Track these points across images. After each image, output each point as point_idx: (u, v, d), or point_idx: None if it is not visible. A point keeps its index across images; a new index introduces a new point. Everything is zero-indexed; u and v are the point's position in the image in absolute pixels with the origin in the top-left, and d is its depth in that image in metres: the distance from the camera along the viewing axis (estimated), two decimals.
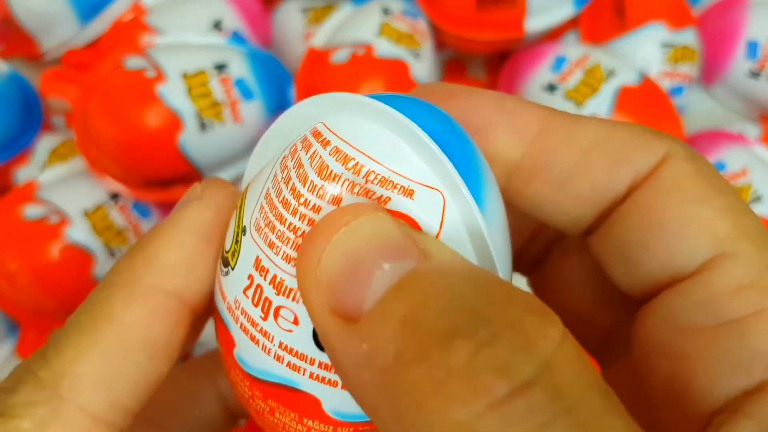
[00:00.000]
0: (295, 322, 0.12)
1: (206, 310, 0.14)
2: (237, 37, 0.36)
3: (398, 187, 0.12)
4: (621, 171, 0.13)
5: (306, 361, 0.12)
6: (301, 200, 0.12)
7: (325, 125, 0.12)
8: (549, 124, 0.14)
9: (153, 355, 0.13)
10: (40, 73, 0.36)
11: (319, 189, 0.12)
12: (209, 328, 0.15)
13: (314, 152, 0.12)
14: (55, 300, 0.33)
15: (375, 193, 0.12)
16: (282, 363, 0.12)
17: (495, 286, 0.11)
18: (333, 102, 0.13)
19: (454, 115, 0.13)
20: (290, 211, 0.12)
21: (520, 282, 0.15)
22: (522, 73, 0.37)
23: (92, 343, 0.13)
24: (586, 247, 0.15)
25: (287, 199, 0.12)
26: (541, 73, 0.36)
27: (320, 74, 0.35)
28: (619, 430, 0.09)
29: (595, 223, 0.14)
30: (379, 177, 0.12)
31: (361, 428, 0.13)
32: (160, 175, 0.33)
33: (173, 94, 0.32)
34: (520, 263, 0.14)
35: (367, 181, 0.12)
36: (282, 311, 0.12)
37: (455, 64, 0.42)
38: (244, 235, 0.13)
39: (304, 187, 0.12)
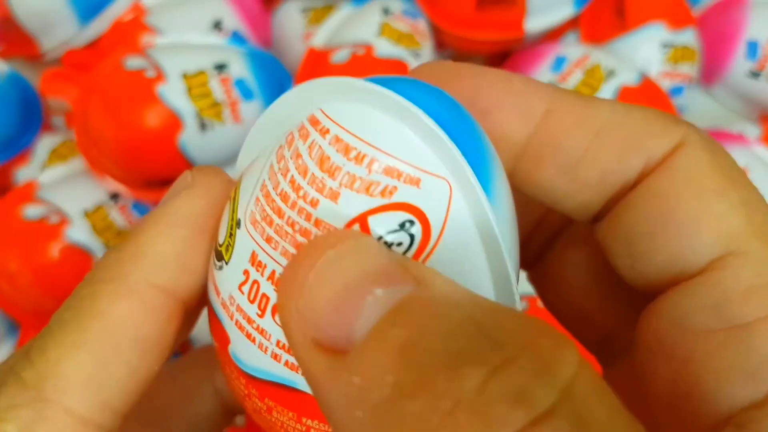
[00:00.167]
0: None
1: (199, 303, 0.14)
2: (237, 37, 0.36)
3: (404, 175, 0.11)
4: (633, 156, 0.13)
5: None
6: (301, 193, 0.11)
7: (322, 111, 0.12)
8: (558, 105, 0.13)
9: (143, 353, 0.13)
10: (40, 73, 0.36)
11: (319, 182, 0.11)
12: (203, 321, 0.15)
13: (313, 142, 0.11)
14: (55, 300, 0.33)
15: (379, 183, 0.11)
16: (279, 362, 0.12)
17: (502, 309, 0.10)
18: (330, 87, 0.12)
19: (458, 96, 0.13)
20: (289, 205, 0.11)
21: (520, 277, 0.15)
22: (522, 73, 0.37)
23: (78, 342, 0.12)
24: (592, 235, 0.14)
25: (286, 192, 0.11)
26: (541, 73, 0.36)
27: (320, 74, 0.35)
28: None
29: (604, 209, 0.13)
30: (383, 166, 0.11)
31: None
32: (160, 175, 0.33)
33: (173, 94, 0.32)
34: (520, 257, 0.14)
35: (370, 172, 0.11)
36: None
37: None
38: (238, 228, 0.12)
39: (304, 179, 0.11)
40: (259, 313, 0.12)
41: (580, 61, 0.36)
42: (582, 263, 0.16)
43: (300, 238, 0.11)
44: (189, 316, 0.14)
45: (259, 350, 0.12)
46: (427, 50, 0.37)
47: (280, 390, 0.12)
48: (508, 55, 0.40)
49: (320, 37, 0.37)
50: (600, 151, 0.13)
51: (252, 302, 0.12)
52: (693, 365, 0.12)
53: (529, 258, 0.17)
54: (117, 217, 0.34)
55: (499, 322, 0.09)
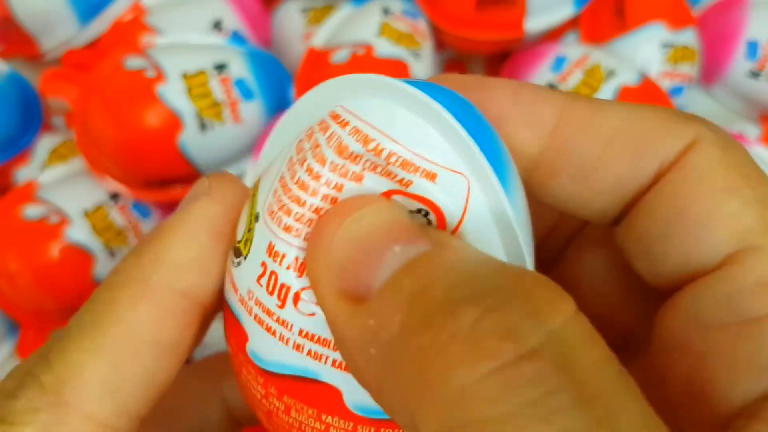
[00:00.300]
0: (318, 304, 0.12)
1: (215, 308, 0.14)
2: (237, 37, 0.36)
3: (420, 169, 0.11)
4: (646, 160, 0.13)
5: (329, 347, 0.12)
6: (322, 180, 0.12)
7: (343, 107, 0.12)
8: (569, 113, 0.13)
9: (162, 357, 0.13)
10: (40, 73, 0.36)
11: (341, 168, 0.11)
12: (212, 330, 0.15)
13: (332, 133, 0.12)
14: (55, 300, 0.33)
15: (396, 175, 0.11)
16: (302, 352, 0.12)
17: (508, 266, 0.10)
18: (351, 84, 0.12)
19: None
20: (309, 192, 0.12)
21: None
22: (522, 73, 0.37)
23: (97, 346, 0.12)
24: (609, 239, 0.14)
25: (304, 181, 0.12)
26: (541, 73, 0.36)
27: (320, 74, 0.35)
28: (633, 411, 0.09)
29: (621, 214, 0.14)
30: (401, 159, 0.11)
31: (382, 428, 0.13)
32: (160, 175, 0.33)
33: (173, 94, 0.32)
34: (536, 260, 0.14)
35: (388, 163, 0.11)
36: (304, 294, 0.12)
37: (455, 64, 0.42)
38: (257, 222, 0.12)
39: (323, 167, 0.12)
40: (279, 303, 0.12)
41: (580, 61, 0.36)
42: (598, 265, 0.16)
43: None
44: (205, 320, 0.14)
45: (280, 342, 0.12)
46: (427, 50, 0.37)
47: (301, 383, 0.12)
48: (508, 55, 0.40)
49: (320, 37, 0.37)
50: (613, 157, 0.13)
51: (271, 294, 0.12)
52: (707, 359, 0.12)
53: (544, 261, 0.17)
54: (117, 217, 0.34)
55: (500, 274, 0.10)
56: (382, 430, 0.13)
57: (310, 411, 0.12)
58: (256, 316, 0.12)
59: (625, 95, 0.34)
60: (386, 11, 0.36)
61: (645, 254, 0.13)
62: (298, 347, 0.12)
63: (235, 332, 0.13)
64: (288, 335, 0.12)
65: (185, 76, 0.32)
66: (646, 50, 0.37)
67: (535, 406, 0.09)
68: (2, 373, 0.34)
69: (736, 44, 0.39)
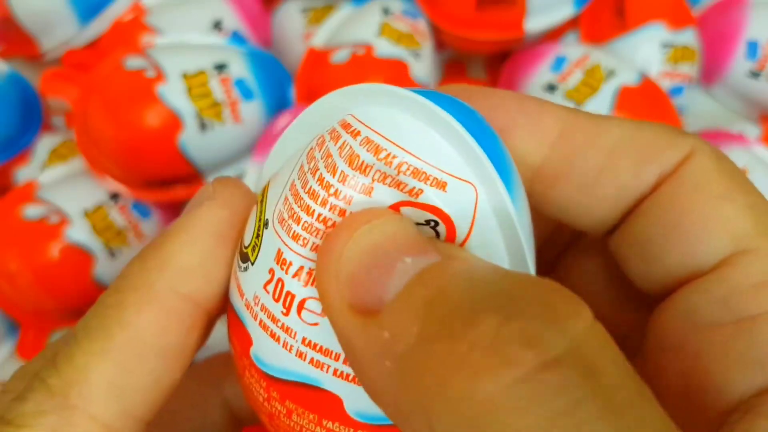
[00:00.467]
0: (321, 315, 0.12)
1: (219, 312, 0.14)
2: (237, 37, 0.36)
3: (431, 178, 0.11)
4: (647, 170, 0.13)
5: (331, 357, 0.12)
6: (331, 191, 0.12)
7: (354, 117, 0.12)
8: (571, 126, 0.14)
9: (167, 361, 0.13)
10: (40, 73, 0.36)
11: (351, 179, 0.11)
12: (216, 332, 0.15)
13: (344, 143, 0.12)
14: (55, 300, 0.33)
15: (407, 185, 0.11)
16: (304, 360, 0.12)
17: (521, 275, 0.10)
18: (361, 93, 0.12)
19: None
20: (319, 202, 0.12)
21: None
22: (522, 73, 0.37)
23: (104, 350, 0.13)
24: (604, 247, 0.15)
25: (315, 190, 0.12)
26: (541, 73, 0.36)
27: (320, 74, 0.35)
28: (655, 420, 0.09)
29: (619, 222, 0.14)
30: (411, 168, 0.11)
31: None
32: (160, 175, 0.33)
33: (173, 94, 0.32)
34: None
35: (399, 173, 0.11)
36: (308, 303, 0.12)
37: (455, 64, 0.42)
38: (266, 228, 0.12)
39: (333, 177, 0.12)
40: (284, 311, 0.12)
41: (580, 61, 0.36)
42: (593, 273, 0.16)
43: None
44: (210, 324, 0.14)
45: (284, 349, 0.12)
46: (427, 50, 0.37)
47: (303, 390, 0.12)
48: (508, 55, 0.40)
49: (320, 37, 0.37)
50: (615, 167, 0.13)
51: (277, 301, 0.12)
52: (703, 358, 0.12)
53: (541, 269, 0.17)
54: (117, 217, 0.34)
55: (516, 282, 0.10)
56: None
57: (311, 416, 0.13)
58: (261, 321, 0.12)
59: (625, 95, 0.34)
60: (386, 11, 0.36)
61: (641, 259, 0.14)
62: (300, 355, 0.12)
63: (240, 336, 0.13)
64: (291, 342, 0.12)
65: (185, 76, 0.32)
66: (646, 50, 0.37)
67: (564, 416, 0.08)
68: (2, 372, 0.34)
69: (736, 44, 0.39)
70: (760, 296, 0.12)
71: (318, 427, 0.13)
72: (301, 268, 0.12)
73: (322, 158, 0.12)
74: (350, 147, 0.12)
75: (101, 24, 0.36)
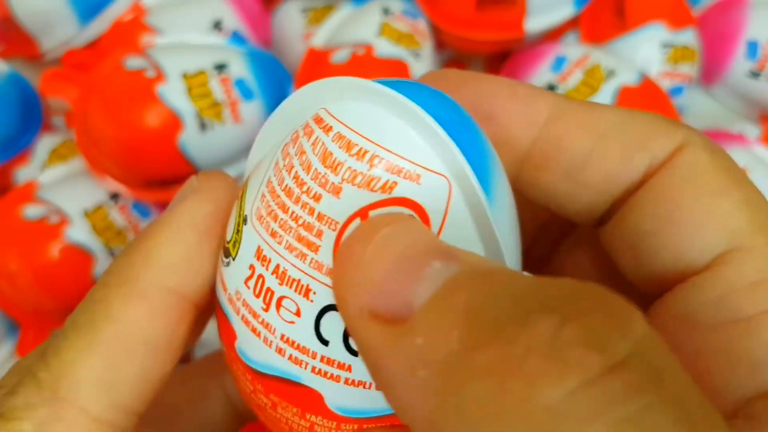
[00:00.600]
0: (297, 313, 0.12)
1: (209, 305, 0.14)
2: (237, 37, 0.36)
3: (403, 171, 0.11)
4: (636, 158, 0.13)
5: (308, 355, 0.12)
6: (304, 188, 0.12)
7: (327, 111, 0.12)
8: (562, 110, 0.13)
9: (155, 354, 0.13)
10: (40, 73, 0.36)
11: (322, 177, 0.11)
12: (212, 329, 0.15)
13: (316, 138, 0.12)
14: (55, 300, 0.33)
15: (380, 179, 0.11)
16: (284, 356, 0.12)
17: (565, 279, 0.10)
18: (334, 87, 0.12)
19: (464, 101, 0.13)
20: (293, 200, 0.12)
21: None
22: (522, 73, 0.37)
23: (92, 344, 0.13)
24: (597, 239, 0.14)
25: (290, 187, 0.12)
26: (541, 73, 0.36)
27: (320, 74, 0.35)
28: (721, 425, 0.09)
29: (608, 213, 0.14)
30: (383, 162, 0.11)
31: (365, 425, 0.13)
32: (160, 175, 0.33)
33: (173, 94, 0.32)
34: (525, 262, 0.14)
35: (371, 167, 0.11)
36: (284, 302, 0.12)
37: (455, 64, 0.42)
38: (245, 224, 0.13)
39: (307, 174, 0.12)
40: (264, 307, 0.12)
41: (580, 61, 0.36)
42: (585, 267, 0.16)
43: (303, 233, 0.12)
44: (199, 317, 0.14)
45: (264, 345, 0.12)
46: (427, 50, 0.37)
47: (285, 384, 0.12)
48: (508, 55, 0.40)
49: (320, 37, 0.37)
50: (604, 153, 0.13)
51: (257, 297, 0.12)
52: (700, 359, 0.12)
53: (533, 263, 0.17)
54: (117, 217, 0.34)
55: (564, 285, 0.09)
56: (365, 426, 0.13)
57: (294, 410, 0.13)
58: (243, 316, 0.13)
59: (625, 95, 0.34)
60: (386, 11, 0.36)
61: (633, 253, 0.13)
62: (280, 351, 0.12)
63: (226, 330, 0.13)
64: (271, 338, 0.12)
65: (185, 76, 0.32)
66: (646, 50, 0.37)
67: (632, 424, 0.08)
68: (2, 372, 0.34)
69: (736, 44, 0.39)
70: (756, 296, 0.12)
71: (302, 420, 0.13)
72: (278, 266, 0.12)
73: (296, 155, 0.12)
74: (323, 143, 0.12)
75: (101, 24, 0.36)
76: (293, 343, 0.12)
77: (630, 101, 0.34)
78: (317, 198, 0.11)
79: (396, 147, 0.11)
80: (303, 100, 0.13)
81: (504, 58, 0.40)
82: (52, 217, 0.32)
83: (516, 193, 0.13)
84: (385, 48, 0.35)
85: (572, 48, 0.37)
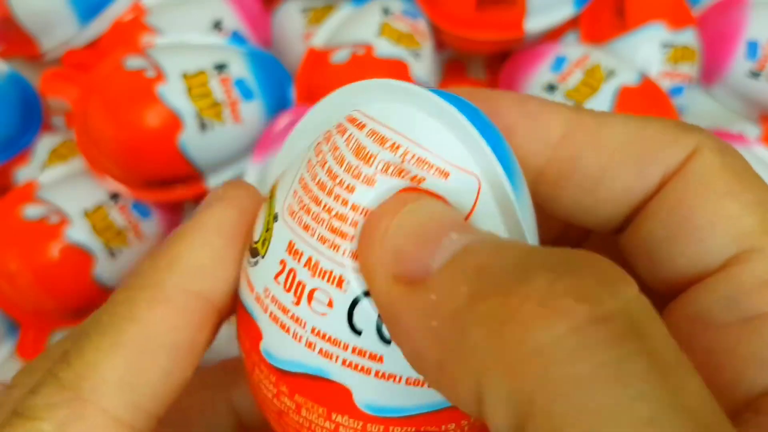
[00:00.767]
0: (330, 304, 0.12)
1: (229, 310, 0.14)
2: (237, 37, 0.36)
3: (434, 167, 0.12)
4: (650, 170, 0.13)
5: (339, 347, 0.12)
6: (337, 180, 0.12)
7: (360, 111, 0.12)
8: (574, 126, 0.14)
9: (177, 357, 0.13)
10: (40, 73, 0.36)
11: (355, 169, 0.12)
12: (219, 336, 0.15)
13: (350, 135, 0.12)
14: (55, 300, 0.33)
15: (410, 172, 0.12)
16: (314, 350, 0.12)
17: (569, 249, 0.10)
18: (365, 90, 0.13)
19: None
20: (326, 192, 0.12)
21: None
22: (522, 73, 0.37)
23: (115, 345, 0.13)
24: (613, 245, 0.15)
25: (323, 181, 0.12)
26: (541, 73, 0.36)
27: (320, 74, 0.35)
28: (697, 385, 0.09)
29: (625, 222, 0.14)
30: (415, 157, 0.12)
31: (391, 426, 0.13)
32: (160, 175, 0.33)
33: (173, 94, 0.32)
34: None
35: (403, 161, 0.12)
36: (316, 294, 0.12)
37: (455, 64, 0.42)
38: (275, 221, 0.13)
39: (341, 168, 0.12)
40: (295, 301, 0.12)
41: (580, 61, 0.36)
42: None
43: (336, 223, 0.12)
44: (219, 322, 0.14)
45: (293, 340, 0.12)
46: (427, 50, 0.37)
47: (312, 381, 0.12)
48: (508, 55, 0.40)
49: (320, 37, 0.37)
50: (619, 168, 0.13)
51: (288, 291, 0.12)
52: (711, 357, 0.12)
53: None
54: (117, 217, 0.34)
55: (566, 251, 0.10)
56: (391, 428, 0.13)
57: (320, 410, 0.13)
58: (271, 313, 0.13)
59: (625, 95, 0.34)
60: (386, 11, 0.36)
61: (650, 258, 0.14)
62: (310, 345, 0.12)
63: (249, 331, 0.13)
64: (301, 333, 0.12)
65: (185, 76, 0.32)
66: (646, 50, 0.37)
67: (612, 368, 0.09)
68: (2, 372, 0.34)
69: (736, 44, 0.39)
70: (766, 295, 0.12)
71: (327, 421, 0.13)
72: (310, 258, 0.12)
73: (329, 150, 0.12)
74: (356, 139, 0.12)
75: (101, 24, 0.36)
76: (324, 335, 0.12)
77: (630, 101, 0.34)
78: (351, 189, 0.12)
79: (428, 143, 0.12)
80: (332, 104, 0.13)
81: (504, 58, 0.40)
82: (52, 217, 0.32)
83: (533, 204, 0.14)
84: (385, 48, 0.35)
85: (572, 48, 0.37)
